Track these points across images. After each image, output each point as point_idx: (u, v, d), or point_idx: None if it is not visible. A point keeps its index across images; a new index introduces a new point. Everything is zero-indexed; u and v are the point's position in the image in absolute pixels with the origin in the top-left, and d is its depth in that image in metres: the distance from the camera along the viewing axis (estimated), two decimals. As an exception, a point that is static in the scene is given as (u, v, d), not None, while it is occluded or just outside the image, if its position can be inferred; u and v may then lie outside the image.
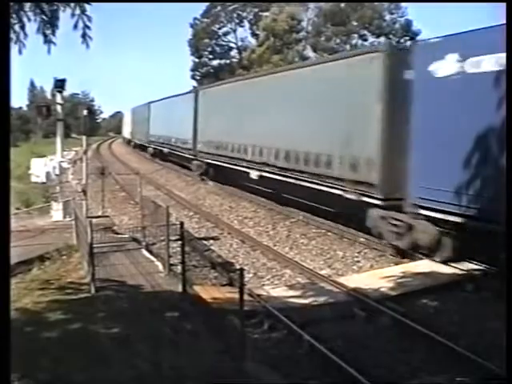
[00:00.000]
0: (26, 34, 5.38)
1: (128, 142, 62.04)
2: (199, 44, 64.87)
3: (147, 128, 42.31)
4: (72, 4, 5.36)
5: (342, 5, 54.88)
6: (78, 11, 5.35)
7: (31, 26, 5.45)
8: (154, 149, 40.25)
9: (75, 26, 5.37)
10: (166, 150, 35.35)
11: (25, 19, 5.35)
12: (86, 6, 5.40)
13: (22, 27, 5.33)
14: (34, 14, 5.41)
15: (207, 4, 62.51)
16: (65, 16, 5.45)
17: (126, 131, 62.38)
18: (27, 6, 5.35)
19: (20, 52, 5.35)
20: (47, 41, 5.53)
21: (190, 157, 27.71)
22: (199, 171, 26.49)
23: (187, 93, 32.24)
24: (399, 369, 6.50)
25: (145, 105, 45.15)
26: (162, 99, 38.63)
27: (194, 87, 31.86)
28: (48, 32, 5.50)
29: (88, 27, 5.40)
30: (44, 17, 5.44)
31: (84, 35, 5.41)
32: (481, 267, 10.18)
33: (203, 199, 21.34)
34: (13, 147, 44.42)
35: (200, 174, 26.43)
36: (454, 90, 9.84)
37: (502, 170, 7.56)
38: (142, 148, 47.05)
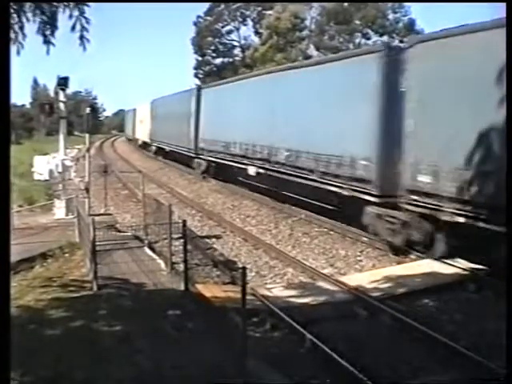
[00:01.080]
0: (24, 35, 5.38)
1: (143, 145, 47.80)
2: (202, 42, 64.87)
3: (192, 129, 27.32)
4: (71, 5, 5.37)
5: (346, 4, 54.81)
6: (76, 13, 5.37)
7: (31, 26, 5.46)
8: (209, 162, 25.59)
9: (73, 28, 5.38)
10: (252, 168, 19.81)
11: (24, 20, 5.36)
12: (85, 8, 5.43)
13: (21, 28, 5.33)
14: (33, 14, 5.41)
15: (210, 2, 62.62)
16: (65, 14, 5.46)
17: (141, 132, 46.40)
18: (27, 6, 5.36)
19: (18, 53, 5.36)
20: (46, 41, 5.54)
21: (368, 198, 12.45)
22: (417, 236, 11.11)
23: (354, 55, 14.69)
24: (401, 368, 6.50)
25: (185, 92, 31.20)
26: (229, 81, 25.58)
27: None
28: (47, 33, 5.51)
29: (86, 29, 5.42)
30: (44, 17, 5.45)
31: (82, 37, 5.42)
32: (483, 267, 10.14)
33: (206, 197, 21.31)
34: (16, 145, 44.79)
35: (424, 246, 11.17)
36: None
37: None
38: (176, 158, 33.54)
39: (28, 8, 5.37)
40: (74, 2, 5.37)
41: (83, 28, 5.40)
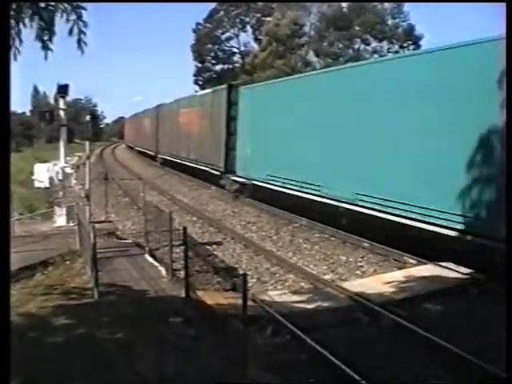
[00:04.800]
0: (21, 40, 5.38)
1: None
2: (202, 49, 65.15)
3: None
4: (68, 9, 5.38)
5: (345, 9, 55.04)
6: (73, 17, 5.38)
7: (29, 33, 5.46)
8: None
9: (70, 32, 5.39)
10: None
11: (21, 25, 5.36)
12: (83, 11, 5.44)
13: (18, 33, 5.34)
14: (30, 19, 5.42)
15: (210, 9, 62.94)
16: (63, 21, 5.47)
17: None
18: (24, 11, 5.36)
19: (15, 58, 5.36)
20: (44, 47, 5.55)
21: None
22: None
23: None
24: (403, 373, 6.48)
25: None
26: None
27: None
28: (45, 38, 5.52)
29: (83, 33, 5.43)
30: (41, 23, 5.46)
31: (79, 41, 5.43)
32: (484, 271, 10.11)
33: (206, 204, 21.32)
34: (16, 152, 44.85)
35: None
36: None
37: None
38: None
39: (25, 13, 5.37)
40: (71, 6, 5.38)
41: (81, 31, 5.41)
